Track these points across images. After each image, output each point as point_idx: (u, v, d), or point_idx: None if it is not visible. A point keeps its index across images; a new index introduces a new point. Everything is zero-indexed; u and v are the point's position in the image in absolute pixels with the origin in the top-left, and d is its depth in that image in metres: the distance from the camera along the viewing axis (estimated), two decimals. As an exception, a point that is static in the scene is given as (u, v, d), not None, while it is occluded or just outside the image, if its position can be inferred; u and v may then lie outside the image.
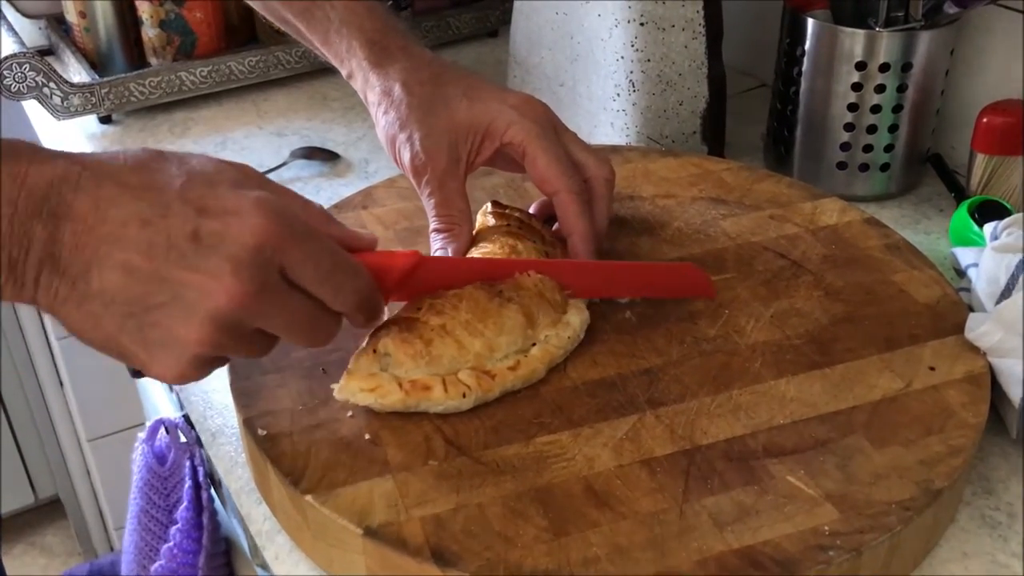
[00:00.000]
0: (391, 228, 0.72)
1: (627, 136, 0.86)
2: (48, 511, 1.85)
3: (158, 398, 1.05)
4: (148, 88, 0.99)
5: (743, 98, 1.03)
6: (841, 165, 0.84)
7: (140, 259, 0.41)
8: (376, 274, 0.50)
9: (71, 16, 1.04)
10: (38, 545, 1.86)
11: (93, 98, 0.97)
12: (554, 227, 0.67)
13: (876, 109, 0.81)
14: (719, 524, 0.48)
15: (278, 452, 0.52)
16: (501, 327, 0.56)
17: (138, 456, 0.89)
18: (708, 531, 0.48)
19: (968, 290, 0.67)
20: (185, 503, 0.83)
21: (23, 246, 0.41)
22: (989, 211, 0.75)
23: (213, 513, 0.84)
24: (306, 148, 0.95)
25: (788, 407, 0.55)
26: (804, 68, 0.83)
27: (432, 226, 0.62)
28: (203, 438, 0.65)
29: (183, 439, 0.86)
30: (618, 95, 0.85)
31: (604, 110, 0.87)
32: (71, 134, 1.00)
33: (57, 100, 0.95)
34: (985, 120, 0.79)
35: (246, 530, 0.63)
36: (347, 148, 0.96)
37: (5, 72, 0.92)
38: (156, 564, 0.83)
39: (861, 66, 0.80)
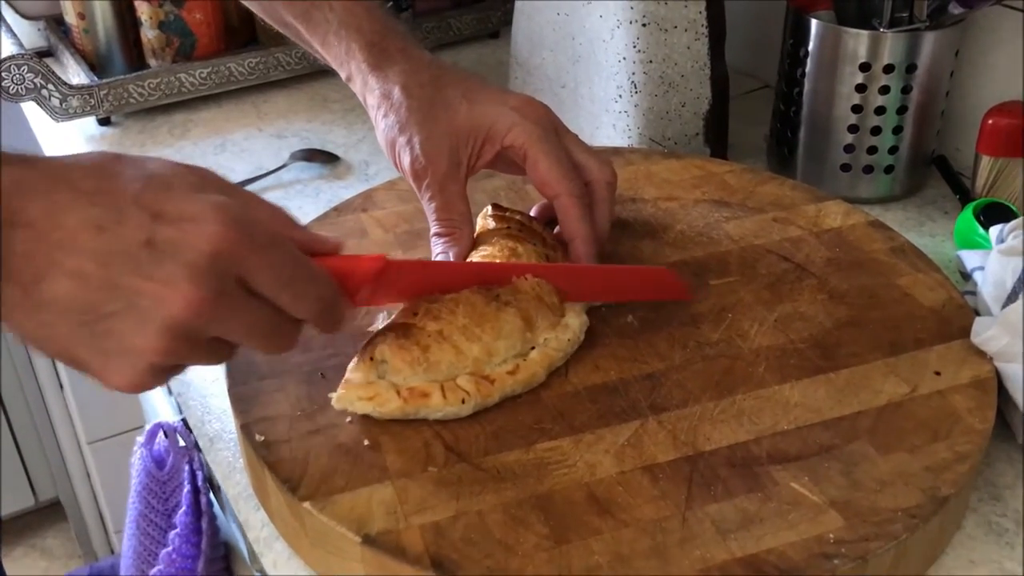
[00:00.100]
0: (391, 231, 0.71)
1: (629, 138, 0.86)
2: (48, 513, 1.85)
3: (157, 401, 1.05)
4: (147, 90, 0.99)
5: (746, 99, 1.03)
6: (845, 167, 0.83)
7: (93, 266, 0.40)
8: (341, 279, 0.48)
9: (70, 17, 1.04)
10: (38, 547, 1.86)
11: (92, 100, 0.96)
12: (555, 230, 0.66)
13: (880, 111, 0.80)
14: (722, 532, 0.48)
15: (276, 458, 0.52)
16: (499, 331, 0.55)
17: (137, 460, 0.88)
18: (711, 539, 0.47)
19: (974, 293, 0.66)
20: (184, 507, 0.83)
21: None
22: (994, 213, 0.75)
23: (212, 518, 0.84)
24: (306, 150, 0.94)
25: (792, 413, 0.55)
26: (808, 69, 0.82)
27: (433, 230, 0.62)
28: (201, 443, 0.64)
29: (182, 443, 0.86)
30: (620, 96, 0.85)
31: (606, 112, 0.87)
32: (70, 136, 0.99)
33: (56, 102, 0.95)
34: (990, 122, 0.79)
35: (244, 536, 0.62)
36: (347, 150, 0.95)
37: (3, 74, 0.91)
38: (155, 569, 0.82)
39: (865, 67, 0.79)
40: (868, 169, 0.83)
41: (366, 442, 0.53)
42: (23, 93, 0.93)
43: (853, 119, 0.81)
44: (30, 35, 1.13)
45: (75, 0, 1.02)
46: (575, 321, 0.59)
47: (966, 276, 0.69)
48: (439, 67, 0.65)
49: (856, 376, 0.57)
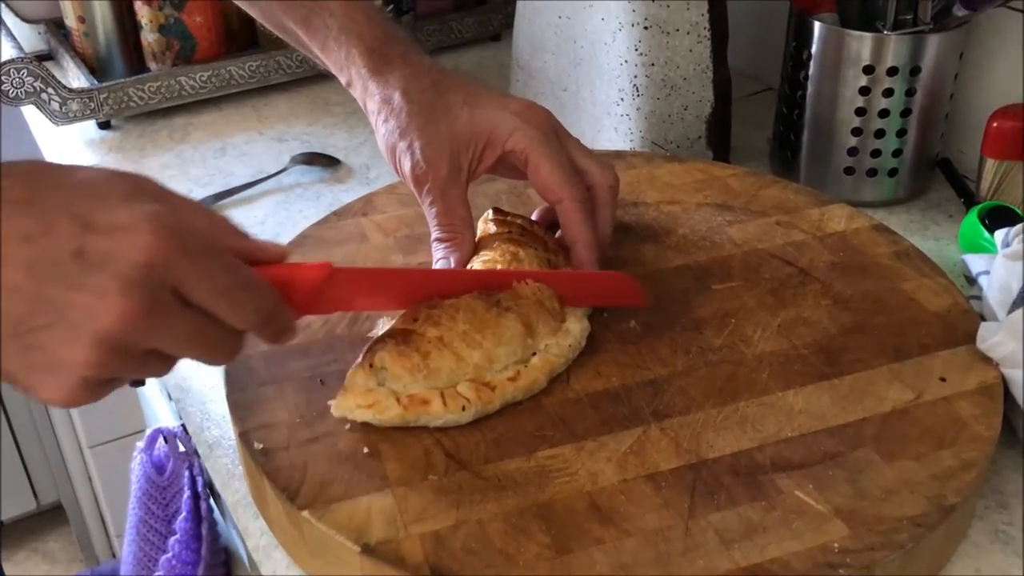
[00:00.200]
0: (392, 235, 0.71)
1: (631, 141, 0.85)
2: (50, 517, 1.84)
3: (157, 406, 1.04)
4: (147, 93, 0.98)
5: (749, 102, 1.02)
6: (848, 170, 0.83)
7: (21, 278, 0.39)
8: (285, 288, 0.47)
9: (70, 21, 1.03)
10: (40, 551, 1.86)
11: (92, 103, 0.96)
12: (557, 234, 0.65)
13: (884, 113, 0.80)
14: (726, 541, 0.47)
15: (274, 466, 0.51)
16: (500, 337, 0.55)
17: (136, 466, 0.88)
18: (714, 548, 0.47)
19: (979, 298, 0.65)
20: (184, 513, 0.82)
21: None
22: (999, 217, 0.74)
23: (212, 523, 0.83)
24: (307, 154, 0.94)
25: (796, 419, 0.54)
26: (811, 72, 0.82)
27: (433, 235, 0.61)
28: (200, 450, 0.64)
29: (182, 448, 0.85)
30: (622, 100, 0.84)
31: (608, 115, 0.86)
32: (70, 140, 0.99)
33: (55, 105, 0.95)
34: (995, 124, 0.78)
35: (244, 543, 0.62)
36: (348, 154, 0.95)
37: (3, 77, 0.91)
38: (155, 575, 0.82)
39: (869, 70, 0.78)
40: (872, 172, 0.83)
41: (365, 450, 0.52)
42: (23, 97, 0.93)
43: (857, 122, 0.81)
44: (30, 38, 1.12)
45: (75, 3, 1.01)
46: (576, 327, 0.58)
47: (971, 280, 0.68)
48: (440, 72, 0.64)
49: (860, 382, 0.57)
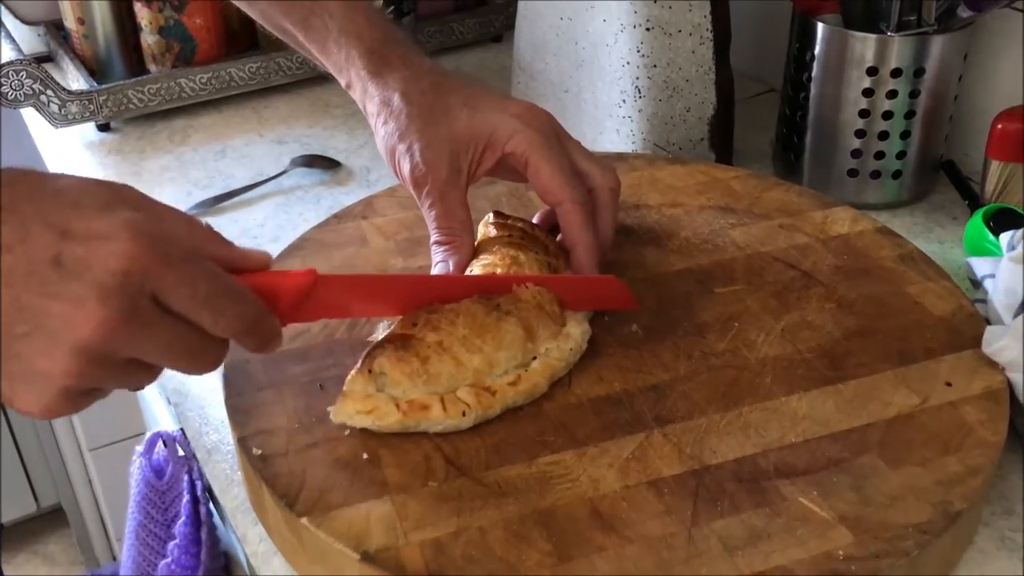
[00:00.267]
0: (392, 239, 0.70)
1: (633, 143, 0.85)
2: (50, 519, 1.84)
3: (157, 410, 1.04)
4: (147, 95, 0.98)
5: (751, 104, 1.02)
6: (852, 172, 0.82)
7: None
8: (269, 295, 0.46)
9: (70, 22, 1.03)
10: (40, 554, 1.85)
11: (91, 105, 0.95)
12: (558, 237, 0.65)
13: (888, 115, 0.79)
14: (729, 549, 0.46)
15: (273, 473, 0.51)
16: (500, 342, 0.54)
17: (135, 470, 0.87)
18: (718, 556, 0.46)
19: (984, 302, 0.65)
20: (183, 518, 0.82)
21: None
22: (1004, 219, 0.73)
23: (212, 528, 0.83)
24: (307, 156, 0.93)
25: (800, 425, 0.54)
26: (814, 73, 0.81)
27: (433, 238, 0.61)
28: (199, 455, 0.63)
29: (181, 453, 0.85)
30: (624, 101, 0.84)
31: (609, 117, 0.85)
32: (69, 142, 0.98)
33: (55, 108, 0.94)
34: (1000, 126, 0.78)
35: (243, 549, 0.61)
36: (348, 156, 0.94)
37: (2, 80, 0.91)
38: (154, 580, 0.81)
39: (872, 71, 0.78)
40: (875, 174, 0.82)
41: (365, 456, 0.52)
42: (22, 99, 0.92)
43: (860, 124, 0.80)
44: (30, 40, 1.12)
45: (75, 5, 1.01)
46: (576, 330, 0.58)
47: (976, 284, 0.68)
48: (439, 74, 0.64)
49: (865, 387, 0.56)
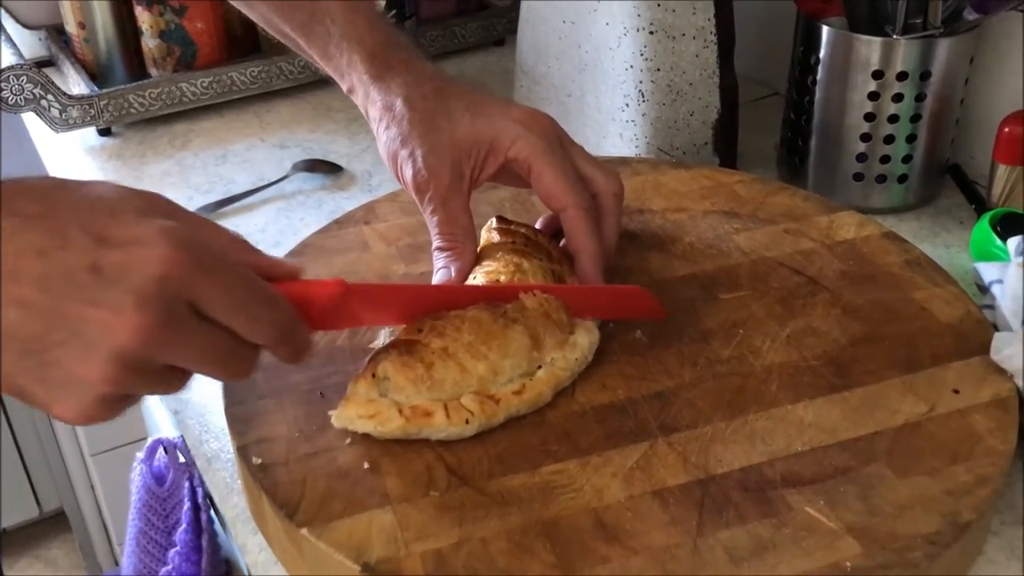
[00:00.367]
0: (393, 244, 0.70)
1: (636, 147, 0.84)
2: (53, 524, 1.83)
3: (158, 415, 1.03)
4: (148, 99, 0.98)
5: (755, 107, 1.01)
6: (857, 176, 0.82)
7: (36, 293, 0.39)
8: (301, 304, 0.47)
9: (70, 27, 1.02)
10: (43, 558, 1.85)
11: (92, 110, 0.95)
12: (562, 243, 0.64)
13: (894, 119, 0.79)
14: (735, 560, 0.46)
15: (273, 482, 0.50)
16: (506, 349, 0.54)
17: (136, 476, 0.87)
18: (723, 567, 0.45)
19: (992, 307, 0.64)
20: (184, 525, 0.81)
21: None
22: (1012, 224, 0.73)
23: (213, 535, 0.82)
24: (308, 160, 0.93)
25: (806, 433, 0.53)
26: (819, 77, 0.81)
27: (435, 244, 0.60)
28: (198, 463, 0.63)
29: (182, 459, 0.84)
30: (627, 105, 0.83)
31: (613, 121, 0.85)
32: (70, 146, 0.98)
33: (55, 112, 0.94)
34: (1007, 130, 0.77)
35: (243, 558, 0.61)
36: (350, 160, 0.94)
37: (2, 84, 0.90)
38: (155, 588, 0.81)
39: (878, 75, 0.77)
40: (881, 178, 0.81)
41: (366, 465, 0.51)
42: (22, 104, 0.92)
43: (866, 127, 0.80)
44: (31, 44, 1.11)
45: (75, 9, 1.00)
46: (585, 340, 0.57)
47: (984, 289, 0.67)
48: (442, 79, 0.63)
49: (872, 395, 0.56)
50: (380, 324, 0.59)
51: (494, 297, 0.56)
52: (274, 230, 0.83)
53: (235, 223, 0.84)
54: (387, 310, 0.55)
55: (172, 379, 0.43)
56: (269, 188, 0.89)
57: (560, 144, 0.61)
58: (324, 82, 1.02)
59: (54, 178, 0.42)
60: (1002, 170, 0.78)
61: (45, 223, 0.39)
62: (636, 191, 0.75)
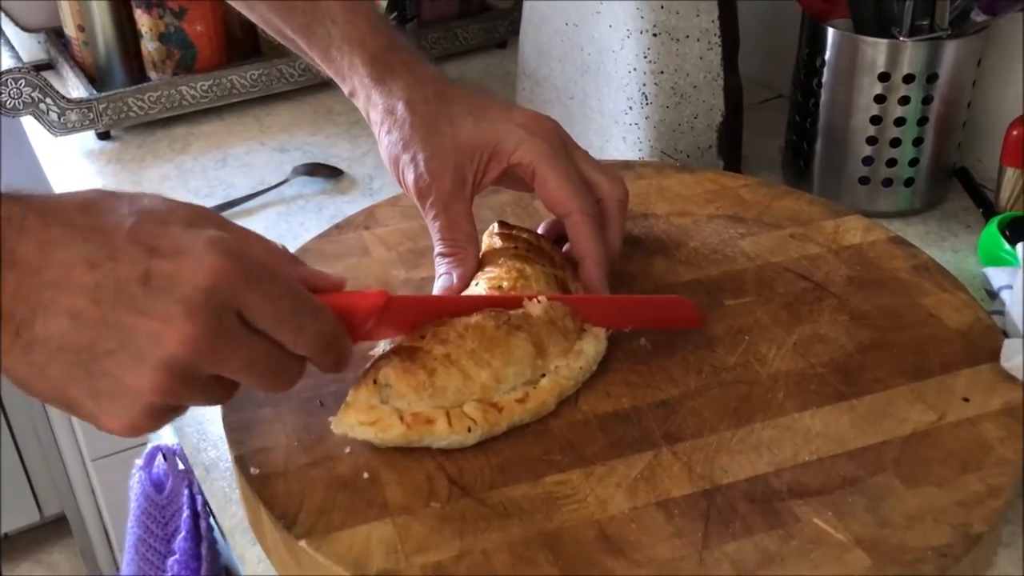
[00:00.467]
0: (394, 249, 0.69)
1: (640, 151, 0.83)
2: (54, 529, 1.83)
3: (158, 421, 1.02)
4: (147, 103, 0.97)
5: (759, 110, 1.00)
6: (863, 180, 0.81)
7: (87, 304, 0.39)
8: (343, 315, 0.47)
9: (70, 30, 1.02)
10: (44, 563, 1.84)
11: (91, 114, 0.94)
12: (564, 248, 0.64)
13: (900, 122, 0.78)
14: (741, 573, 0.45)
15: (271, 493, 0.49)
16: (509, 357, 0.53)
17: (135, 483, 0.86)
18: (730, 581, 0.45)
19: (1001, 313, 0.63)
20: (183, 533, 0.81)
21: None
22: (1020, 228, 0.72)
23: (212, 543, 0.81)
24: (309, 164, 0.92)
25: (813, 442, 0.52)
26: (824, 79, 0.80)
27: (437, 250, 0.59)
28: (197, 472, 0.62)
29: (181, 467, 0.84)
30: (630, 108, 0.82)
31: (616, 124, 0.84)
32: (69, 150, 0.97)
33: (54, 116, 0.93)
34: (1015, 133, 0.76)
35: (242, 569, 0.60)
36: (351, 164, 0.93)
37: (1, 88, 0.90)
38: (154, 596, 0.80)
39: (884, 77, 0.76)
40: (887, 182, 0.80)
41: (366, 475, 0.50)
42: (20, 107, 0.91)
43: (872, 130, 0.79)
44: (31, 48, 1.11)
45: (75, 12, 1.00)
46: (591, 348, 0.56)
47: (993, 295, 0.66)
48: (444, 82, 0.62)
49: (880, 403, 0.55)
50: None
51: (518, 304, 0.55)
52: (274, 235, 0.82)
53: (235, 228, 0.83)
54: (427, 321, 0.55)
55: (218, 390, 0.44)
56: (269, 192, 0.88)
57: (564, 148, 0.61)
58: (325, 85, 1.02)
59: (102, 190, 0.43)
60: (1010, 173, 0.77)
61: (94, 234, 0.40)
62: (640, 195, 0.74)
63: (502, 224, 0.64)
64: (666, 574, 0.45)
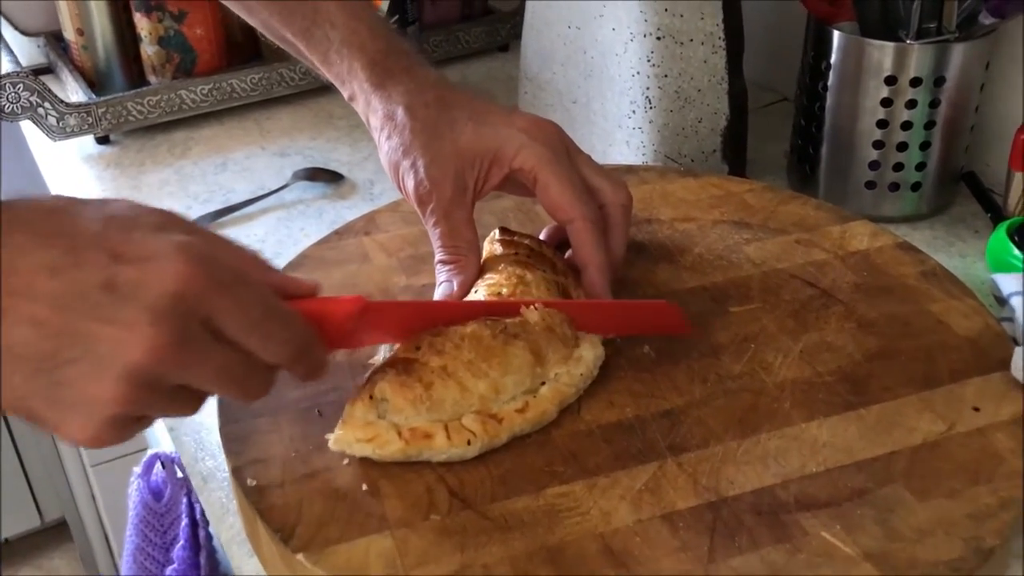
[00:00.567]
0: (394, 255, 0.68)
1: (644, 155, 0.82)
2: (54, 534, 1.83)
3: (158, 429, 1.02)
4: (147, 107, 0.96)
5: (763, 113, 0.99)
6: (870, 184, 0.80)
7: (49, 311, 0.38)
8: (317, 322, 0.46)
9: (69, 34, 1.01)
10: (44, 568, 1.84)
11: (90, 118, 0.94)
12: (567, 254, 0.63)
13: (907, 126, 0.77)
14: (748, 588, 0.44)
15: (268, 505, 0.48)
16: (507, 366, 0.52)
17: (133, 491, 0.85)
18: (736, 596, 0.44)
19: (1011, 320, 0.62)
20: (182, 542, 0.80)
21: None
22: (1030, 234, 0.71)
23: (212, 552, 0.80)
24: (309, 169, 0.91)
25: (821, 453, 0.51)
26: (830, 82, 0.79)
27: (437, 257, 0.59)
28: (194, 482, 0.61)
29: (180, 475, 0.83)
30: (634, 112, 0.81)
31: (619, 128, 0.83)
32: (67, 155, 0.97)
33: (52, 120, 0.92)
34: (1023, 137, 0.75)
35: (240, 580, 0.59)
36: (351, 168, 0.92)
37: (-1, 92, 0.89)
38: (152, 606, 0.79)
39: (891, 80, 0.75)
40: (894, 186, 0.79)
41: (364, 487, 0.49)
42: (19, 112, 0.91)
43: (878, 134, 0.78)
44: (30, 52, 1.10)
45: (74, 15, 0.99)
46: (590, 354, 0.55)
47: (1002, 302, 0.65)
48: (444, 87, 0.61)
49: (888, 412, 0.54)
50: (401, 342, 0.57)
51: (513, 312, 0.54)
52: (274, 240, 0.82)
53: (234, 233, 0.83)
54: (409, 327, 0.54)
55: (186, 400, 0.43)
56: (269, 197, 0.87)
57: (566, 153, 0.60)
58: (326, 89, 1.01)
59: (68, 197, 0.42)
60: (1019, 178, 0.76)
61: (59, 240, 0.39)
62: (643, 200, 0.73)
63: (503, 230, 0.63)
64: (671, 589, 0.44)
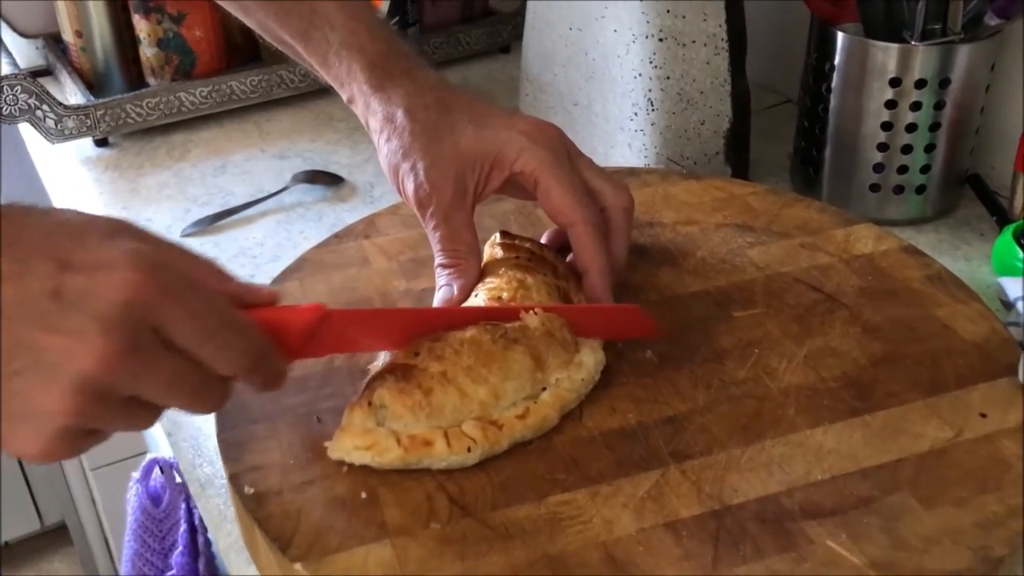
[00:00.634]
0: (394, 259, 0.67)
1: (646, 158, 0.82)
2: (54, 537, 1.82)
3: (157, 433, 1.01)
4: (146, 109, 0.96)
5: (766, 115, 0.98)
6: (874, 187, 0.79)
7: None
8: (276, 332, 0.45)
9: (67, 35, 1.01)
10: (44, 571, 1.83)
11: (88, 120, 0.93)
12: (568, 258, 0.62)
13: (911, 128, 0.76)
14: (753, 598, 0.43)
15: (266, 513, 0.48)
16: (507, 372, 0.51)
17: (132, 496, 0.85)
18: (741, 606, 0.43)
19: (1018, 325, 0.61)
20: (180, 548, 0.79)
21: None
22: (1036, 237, 0.70)
23: (210, 559, 0.80)
24: (309, 171, 0.90)
25: (826, 460, 0.50)
26: (834, 84, 0.78)
27: (437, 261, 0.58)
28: (192, 488, 0.60)
29: (178, 480, 0.82)
30: (636, 114, 0.81)
31: (621, 130, 0.83)
32: (66, 158, 0.96)
33: (51, 123, 0.92)
34: (1030, 139, 0.75)
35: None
36: (351, 171, 0.91)
37: (-3, 94, 0.88)
38: (150, 613, 0.79)
39: (895, 82, 0.75)
40: (898, 189, 0.79)
41: (363, 495, 0.49)
42: (17, 114, 0.90)
43: (882, 137, 0.77)
44: (29, 54, 1.10)
45: (72, 17, 0.98)
46: (590, 359, 0.55)
47: (1008, 306, 0.65)
48: (444, 89, 0.61)
49: (894, 419, 0.53)
50: (370, 350, 0.56)
51: (490, 318, 0.54)
52: (273, 243, 0.81)
53: (233, 237, 0.82)
54: (375, 335, 0.53)
55: (138, 413, 0.41)
56: (268, 200, 0.87)
57: (567, 156, 0.59)
58: (325, 91, 1.00)
59: (17, 204, 0.40)
60: (1025, 180, 0.75)
61: (7, 249, 0.38)
62: (646, 203, 0.72)
63: (504, 234, 0.62)
64: (674, 599, 0.43)
